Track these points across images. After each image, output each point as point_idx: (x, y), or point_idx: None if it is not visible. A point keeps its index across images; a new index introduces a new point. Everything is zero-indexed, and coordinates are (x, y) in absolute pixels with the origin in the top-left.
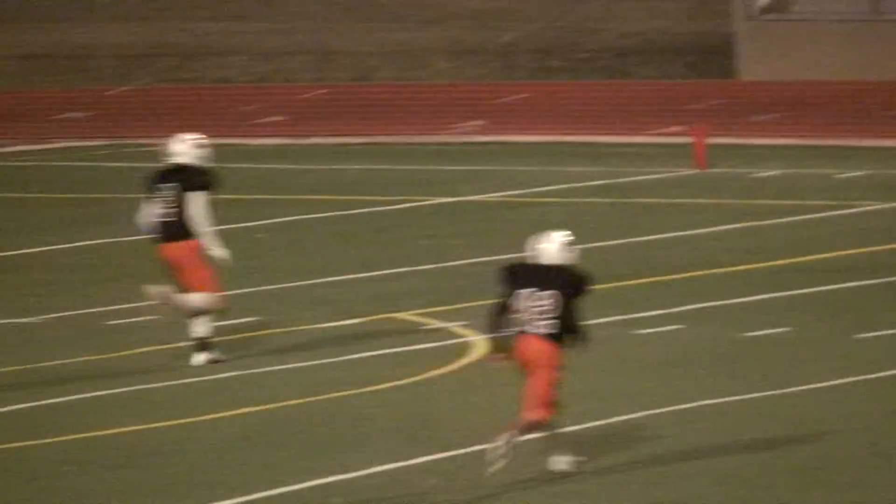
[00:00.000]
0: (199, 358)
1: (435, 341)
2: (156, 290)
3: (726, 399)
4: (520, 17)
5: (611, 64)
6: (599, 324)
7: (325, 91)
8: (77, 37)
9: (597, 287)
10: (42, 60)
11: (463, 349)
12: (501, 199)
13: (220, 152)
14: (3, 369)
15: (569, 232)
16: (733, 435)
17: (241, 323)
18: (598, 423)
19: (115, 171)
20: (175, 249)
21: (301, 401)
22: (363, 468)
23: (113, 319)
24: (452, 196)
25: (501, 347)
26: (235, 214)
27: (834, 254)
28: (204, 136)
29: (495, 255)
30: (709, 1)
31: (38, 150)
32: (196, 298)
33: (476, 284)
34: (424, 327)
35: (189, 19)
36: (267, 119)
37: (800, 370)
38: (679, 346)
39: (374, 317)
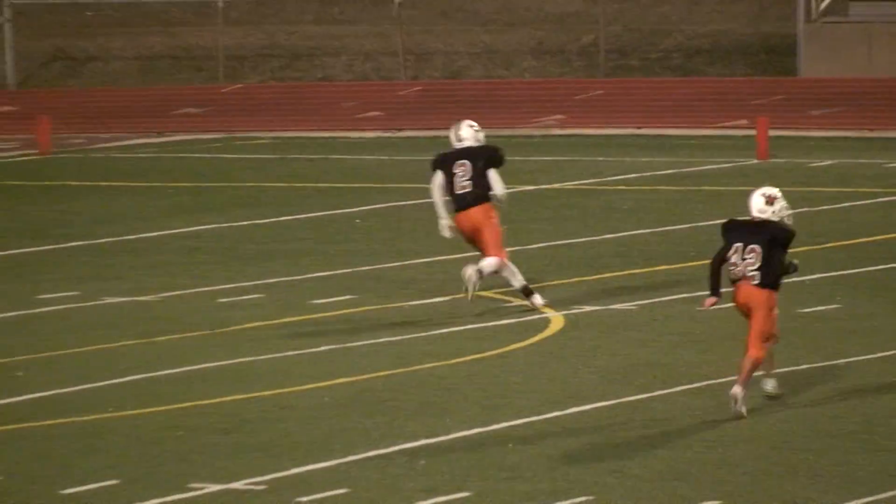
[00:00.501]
0: (537, 300)
1: (515, 317)
2: (471, 271)
3: (779, 370)
4: (598, 20)
5: (682, 63)
6: (665, 301)
7: (419, 88)
8: (194, 39)
9: (665, 267)
10: (162, 61)
11: (542, 324)
12: (577, 187)
13: (322, 144)
14: (123, 343)
15: (776, 190)
16: (785, 403)
17: (339, 301)
18: (661, 392)
19: (226, 161)
20: (471, 215)
21: (391, 372)
22: (447, 433)
23: (223, 298)
24: (533, 185)
25: (715, 294)
26: (336, 201)
27: (882, 237)
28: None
29: (571, 238)
30: (772, 5)
31: (158, 143)
32: (490, 263)
33: (554, 265)
34: (506, 305)
35: (296, 23)
36: (366, 114)
37: (847, 344)
38: (738, 321)
39: (460, 295)
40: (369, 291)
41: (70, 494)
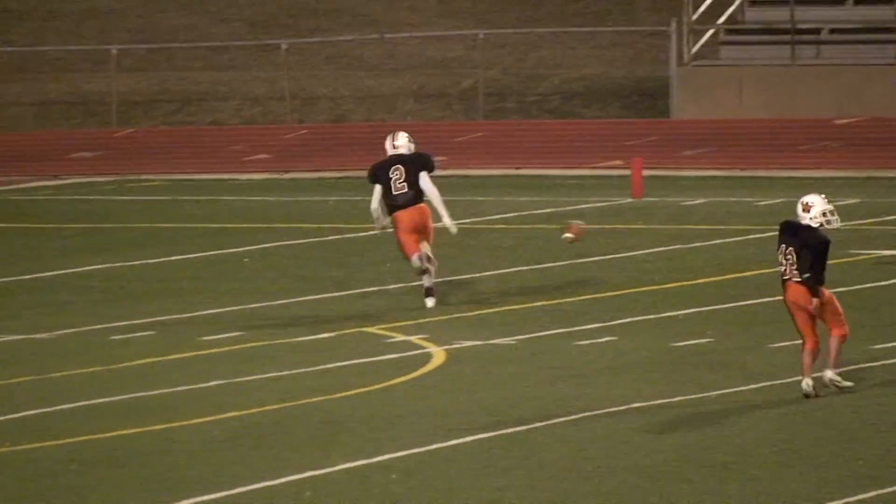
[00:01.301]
0: (430, 302)
1: (398, 352)
2: (422, 254)
3: (654, 402)
4: (477, 64)
5: (558, 105)
6: (544, 336)
7: (305, 131)
8: (88, 85)
9: (543, 303)
10: (57, 106)
11: (424, 359)
12: (459, 225)
13: (212, 186)
14: (19, 379)
15: (815, 198)
16: (659, 434)
17: (228, 337)
18: (540, 424)
19: (120, 203)
20: (411, 213)
21: (279, 406)
22: (333, 465)
23: (116, 335)
24: None
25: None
26: (225, 240)
27: (752, 273)
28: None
29: (452, 275)
30: (645, 49)
31: (53, 186)
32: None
33: (436, 301)
34: (389, 340)
35: (186, 69)
36: (254, 157)
37: (719, 376)
38: (613, 355)
39: (345, 331)
40: (257, 328)
41: None
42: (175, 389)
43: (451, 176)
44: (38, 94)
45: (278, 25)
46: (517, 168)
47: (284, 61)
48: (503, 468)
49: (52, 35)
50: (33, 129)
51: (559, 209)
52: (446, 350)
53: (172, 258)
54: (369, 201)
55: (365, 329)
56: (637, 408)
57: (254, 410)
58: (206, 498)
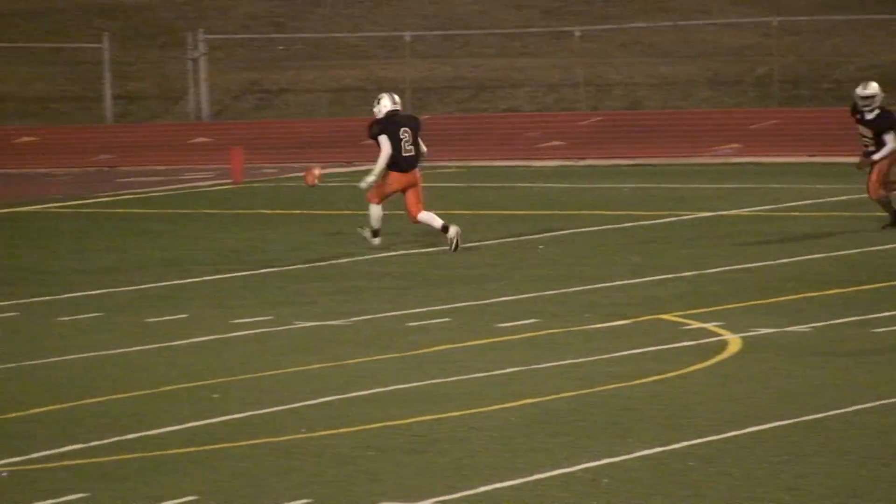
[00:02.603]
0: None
1: (695, 339)
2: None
3: None
4: (772, 51)
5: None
6: (840, 323)
7: (599, 118)
8: (382, 72)
9: (839, 291)
10: (351, 93)
11: (720, 347)
12: (754, 213)
13: (505, 173)
14: (316, 366)
15: None
16: None
17: (524, 324)
18: (838, 411)
19: None
20: (408, 177)
21: (576, 392)
22: (630, 452)
23: (412, 321)
24: (711, 211)
25: None
26: (519, 227)
27: None
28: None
29: (748, 262)
30: None
31: (348, 172)
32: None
33: (732, 289)
34: (686, 327)
35: (480, 56)
36: (549, 143)
37: None
38: None
39: (642, 318)
40: (553, 315)
41: None
42: (472, 376)
43: (745, 163)
44: (333, 81)
45: (571, 12)
46: (811, 156)
47: (578, 48)
48: (802, 455)
49: (345, 22)
50: (328, 115)
51: (853, 196)
52: (742, 337)
53: (467, 245)
54: (650, 190)
55: (661, 316)
56: None
57: (551, 397)
58: (503, 485)
